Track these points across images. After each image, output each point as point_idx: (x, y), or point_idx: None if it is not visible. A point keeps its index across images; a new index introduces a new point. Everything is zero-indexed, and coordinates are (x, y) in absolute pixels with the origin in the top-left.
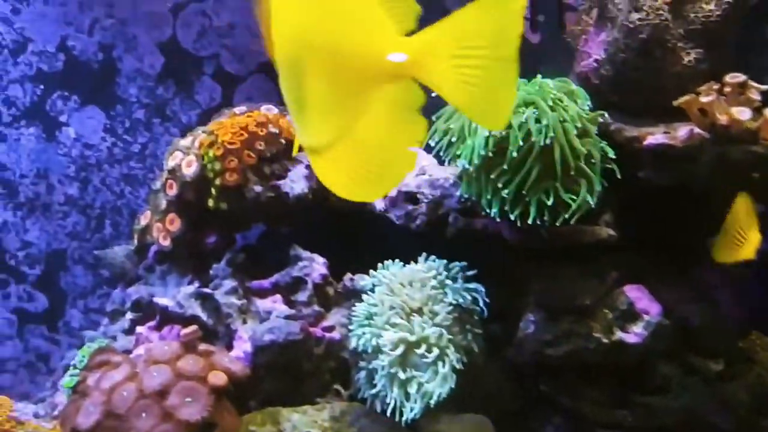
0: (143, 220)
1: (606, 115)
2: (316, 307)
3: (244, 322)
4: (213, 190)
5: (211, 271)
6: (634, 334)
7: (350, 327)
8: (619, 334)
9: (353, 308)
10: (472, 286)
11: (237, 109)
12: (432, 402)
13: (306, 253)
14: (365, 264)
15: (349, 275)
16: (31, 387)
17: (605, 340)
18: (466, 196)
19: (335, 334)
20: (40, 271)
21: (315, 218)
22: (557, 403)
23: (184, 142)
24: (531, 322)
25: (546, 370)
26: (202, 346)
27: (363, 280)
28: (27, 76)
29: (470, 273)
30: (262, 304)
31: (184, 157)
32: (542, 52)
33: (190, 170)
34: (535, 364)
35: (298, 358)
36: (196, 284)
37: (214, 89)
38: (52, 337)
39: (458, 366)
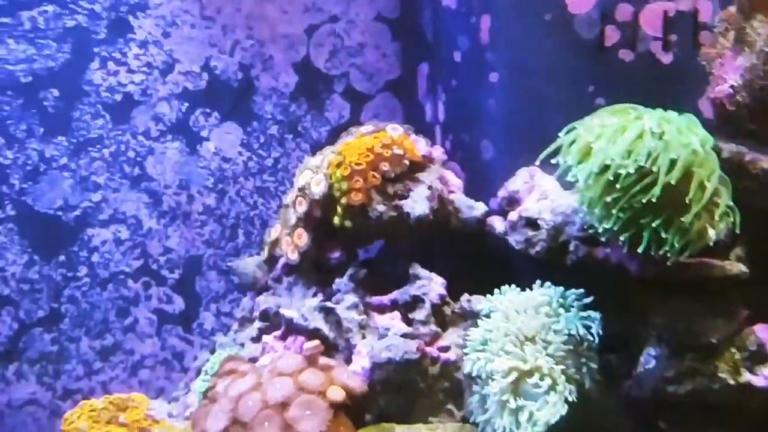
0: (273, 234)
1: (739, 145)
2: (433, 327)
3: (363, 337)
4: (339, 209)
5: (334, 285)
6: (764, 377)
7: (465, 350)
8: (747, 376)
9: (469, 331)
10: (587, 314)
11: (363, 128)
12: (540, 431)
13: (425, 272)
14: (483, 286)
15: (466, 296)
16: (166, 383)
17: (731, 382)
18: (587, 224)
19: (450, 355)
20: (178, 275)
21: (434, 238)
22: None
23: (314, 161)
24: (652, 356)
25: (666, 407)
26: (323, 360)
27: (480, 303)
28: (174, 94)
29: (586, 301)
30: (380, 320)
31: (313, 176)
32: (673, 73)
33: (318, 189)
34: (654, 400)
35: (413, 376)
36: (320, 297)
37: (343, 107)
38: (186, 338)
39: (570, 397)
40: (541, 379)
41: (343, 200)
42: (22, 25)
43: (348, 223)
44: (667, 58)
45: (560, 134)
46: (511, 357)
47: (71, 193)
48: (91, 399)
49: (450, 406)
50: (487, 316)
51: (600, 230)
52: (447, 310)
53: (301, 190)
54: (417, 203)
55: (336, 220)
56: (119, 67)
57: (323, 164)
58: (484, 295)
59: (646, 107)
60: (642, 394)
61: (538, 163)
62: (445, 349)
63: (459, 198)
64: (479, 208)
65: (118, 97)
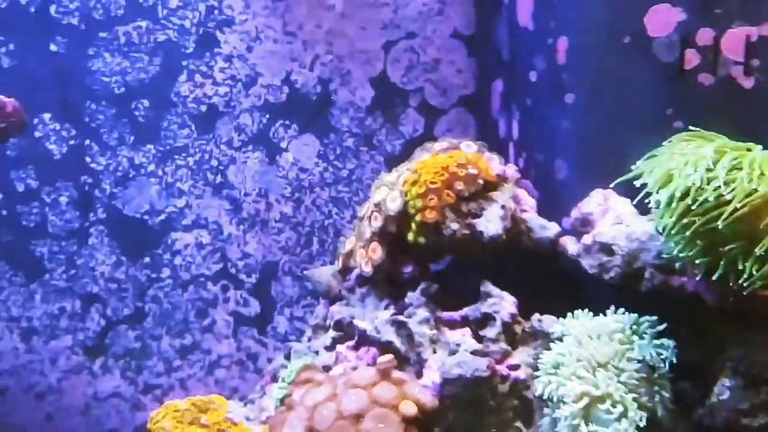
0: (348, 245)
1: None
2: (503, 345)
3: (434, 351)
4: (413, 225)
5: (406, 299)
6: None
7: (537, 372)
8: None
9: (541, 353)
10: (660, 342)
11: (438, 145)
12: None
13: (496, 290)
14: (553, 306)
15: (537, 316)
16: (240, 383)
17: None
18: (664, 252)
19: (520, 374)
20: (255, 279)
21: (506, 256)
22: None
23: (390, 177)
24: (726, 387)
25: None
26: (396, 374)
27: (550, 324)
28: (256, 107)
29: (660, 328)
30: (451, 335)
31: (389, 192)
32: (755, 98)
33: (393, 205)
34: (726, 431)
35: (483, 393)
36: (392, 309)
37: (417, 121)
38: (261, 340)
39: (641, 424)
40: (613, 405)
41: (418, 217)
42: (117, 39)
43: (421, 240)
44: (748, 83)
45: (640, 159)
46: (583, 382)
47: (157, 198)
48: (171, 397)
49: (518, 424)
50: (560, 339)
51: (677, 258)
52: (517, 329)
53: (377, 205)
54: (490, 222)
55: (410, 236)
56: (205, 79)
57: (399, 181)
58: (555, 316)
59: (725, 132)
60: (714, 423)
61: (613, 185)
62: (515, 367)
63: (532, 217)
64: (552, 229)
65: (204, 108)
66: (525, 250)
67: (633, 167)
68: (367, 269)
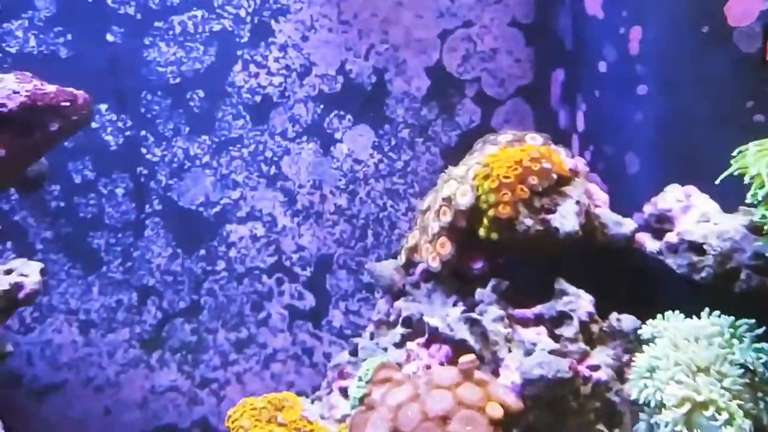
0: (411, 240)
1: None
2: (582, 345)
3: (509, 350)
4: (485, 220)
5: (476, 296)
6: None
7: (631, 376)
8: None
9: (620, 353)
10: (761, 346)
11: (502, 137)
12: None
13: (572, 289)
14: (630, 305)
15: (615, 315)
16: (296, 377)
17: None
18: (761, 252)
19: (601, 375)
20: (310, 272)
21: (579, 254)
22: None
23: (458, 171)
24: None
25: None
26: (478, 374)
27: (632, 325)
28: (310, 97)
29: (759, 331)
30: (525, 333)
31: (458, 186)
32: None
33: (464, 200)
34: None
35: (564, 395)
36: (461, 306)
37: (474, 111)
38: (316, 334)
39: None
40: (718, 412)
41: (490, 212)
42: (173, 29)
43: (494, 236)
44: None
45: (719, 154)
46: (683, 387)
47: (212, 190)
48: (228, 391)
49: (600, 427)
50: (651, 341)
51: None
52: (594, 328)
53: (446, 199)
54: (566, 219)
55: (482, 231)
56: (260, 69)
57: (468, 175)
58: (634, 315)
59: None
60: None
61: (718, 181)
62: (595, 368)
63: (605, 213)
64: (628, 225)
65: (258, 99)
66: (599, 247)
67: (734, 161)
68: (435, 264)
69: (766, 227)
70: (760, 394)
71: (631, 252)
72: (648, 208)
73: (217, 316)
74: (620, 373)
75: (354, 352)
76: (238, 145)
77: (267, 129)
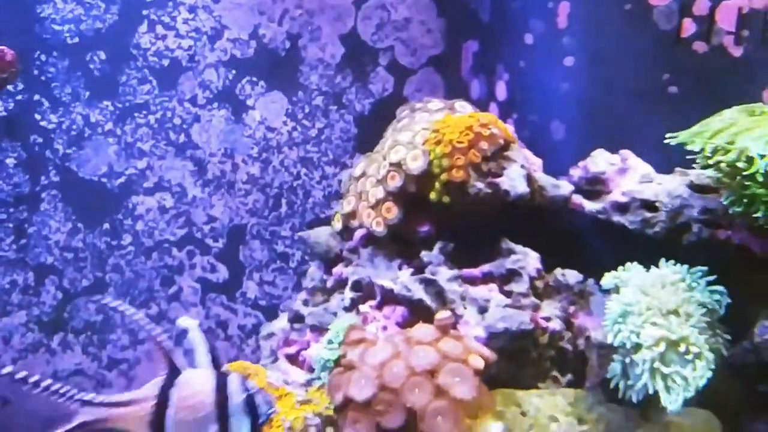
0: (347, 206)
1: None
2: (533, 299)
3: (464, 308)
4: (437, 184)
5: (424, 258)
6: None
7: (604, 322)
8: None
9: (578, 307)
10: (715, 289)
11: (431, 104)
12: (689, 396)
13: (519, 247)
14: (568, 261)
15: (559, 270)
16: None
17: None
18: (708, 208)
19: (555, 325)
20: (222, 244)
21: (522, 215)
22: None
23: (403, 137)
24: (765, 327)
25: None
26: (453, 331)
27: (582, 280)
28: (221, 62)
29: (711, 278)
30: (476, 291)
31: (408, 151)
32: (742, 66)
33: (416, 164)
34: (760, 367)
35: (525, 345)
36: (407, 269)
37: (387, 80)
38: (230, 306)
39: (712, 366)
40: (688, 349)
41: (443, 176)
42: None
43: (446, 199)
44: (737, 52)
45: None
46: (659, 327)
47: (116, 159)
48: (138, 371)
49: (555, 373)
50: (614, 290)
51: (731, 212)
52: (540, 284)
53: (395, 165)
54: (515, 181)
55: (433, 195)
56: (168, 31)
57: (415, 140)
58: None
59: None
60: (750, 361)
61: (672, 141)
62: (547, 319)
63: (542, 176)
64: (565, 187)
65: (166, 63)
66: (538, 209)
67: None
68: (379, 229)
69: (720, 185)
70: (718, 331)
71: (569, 212)
72: (577, 172)
73: (124, 293)
74: (568, 323)
75: (295, 319)
76: (144, 112)
77: (175, 95)
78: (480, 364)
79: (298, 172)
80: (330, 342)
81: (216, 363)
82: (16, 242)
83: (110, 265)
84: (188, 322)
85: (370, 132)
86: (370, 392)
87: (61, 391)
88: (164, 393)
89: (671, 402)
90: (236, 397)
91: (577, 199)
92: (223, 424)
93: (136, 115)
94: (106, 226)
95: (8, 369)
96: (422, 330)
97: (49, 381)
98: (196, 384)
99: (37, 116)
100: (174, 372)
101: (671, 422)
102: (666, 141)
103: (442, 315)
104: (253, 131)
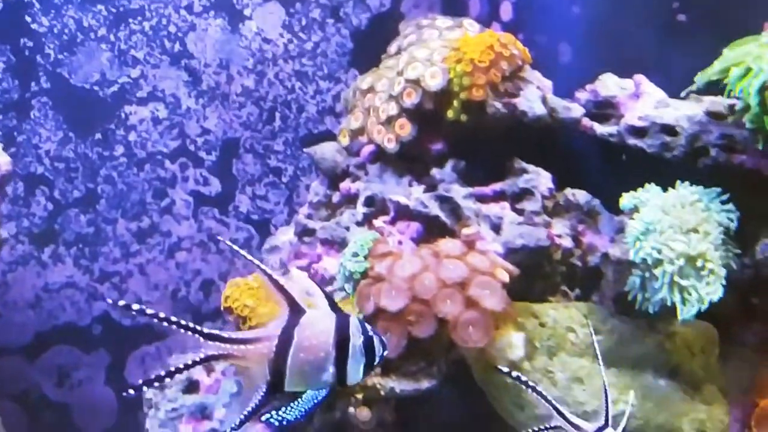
0: (354, 122)
1: None
2: (546, 217)
3: (478, 225)
4: (455, 103)
5: (436, 176)
6: None
7: (625, 239)
8: None
9: (587, 226)
10: (729, 208)
11: (439, 22)
12: (704, 307)
13: (531, 167)
14: (578, 182)
15: (570, 190)
16: (202, 265)
17: None
18: (727, 133)
19: (566, 242)
20: (215, 157)
21: (534, 136)
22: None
23: (420, 53)
24: (766, 245)
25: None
26: (479, 245)
27: (591, 200)
28: None
29: (724, 199)
30: (488, 209)
31: (426, 68)
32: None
33: (435, 82)
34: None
35: (540, 261)
36: (417, 186)
37: None
38: (222, 220)
39: (723, 281)
40: (705, 264)
41: (462, 95)
42: None
43: (463, 118)
44: None
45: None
46: (680, 243)
47: (109, 67)
48: (130, 284)
49: (564, 288)
50: (634, 209)
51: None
52: (550, 203)
53: (413, 81)
54: (533, 103)
55: (450, 113)
56: None
57: (434, 57)
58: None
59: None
60: (750, 275)
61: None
62: (558, 237)
63: (553, 98)
64: (576, 110)
65: None
66: (548, 130)
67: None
68: (391, 146)
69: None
70: (729, 248)
71: (579, 134)
72: (584, 95)
73: (116, 205)
74: (577, 241)
75: (304, 233)
76: (139, 18)
77: (171, 1)
78: (506, 277)
79: (292, 86)
80: (355, 254)
81: (334, 306)
82: (5, 150)
83: (102, 176)
84: (298, 273)
85: (366, 47)
86: (402, 303)
87: (189, 326)
88: (287, 332)
89: (686, 312)
90: (356, 339)
91: (587, 122)
92: (341, 364)
93: (130, 21)
94: (98, 136)
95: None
96: (449, 244)
97: (174, 317)
98: (319, 325)
99: (28, 18)
100: (297, 312)
101: (676, 332)
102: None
103: (469, 230)
104: (249, 42)
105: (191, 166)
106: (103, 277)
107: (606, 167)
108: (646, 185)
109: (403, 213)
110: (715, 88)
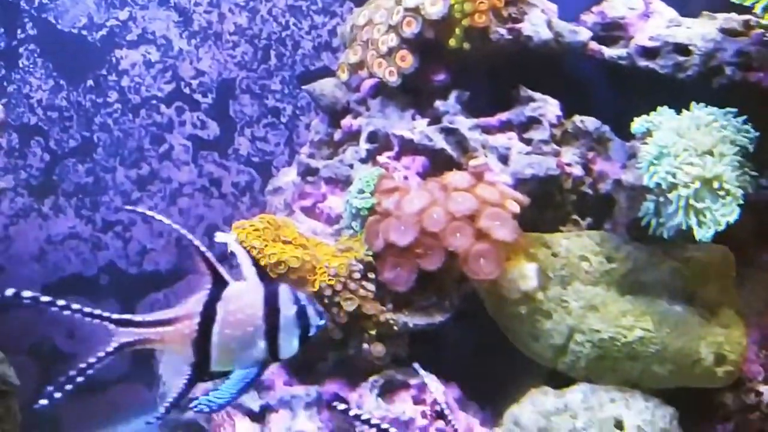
0: (352, 56)
1: None
2: (554, 146)
3: (485, 156)
4: (457, 31)
5: (440, 108)
6: None
7: (639, 164)
8: None
9: (596, 153)
10: (746, 128)
11: None
12: (721, 229)
13: (538, 95)
14: (586, 107)
15: (578, 117)
16: (205, 210)
17: None
18: (746, 49)
19: (576, 170)
20: (211, 99)
21: (539, 62)
22: None
23: None
24: None
25: None
26: (487, 176)
27: (600, 126)
28: None
29: (742, 119)
30: (494, 140)
31: None
32: None
33: (435, 9)
34: None
35: (550, 191)
36: (420, 119)
37: None
38: (223, 163)
39: (740, 201)
40: (721, 186)
41: (464, 22)
42: None
43: (466, 46)
44: None
45: None
46: (695, 166)
47: (96, 10)
48: (134, 232)
49: (575, 217)
50: (647, 134)
51: None
52: (557, 132)
53: (412, 10)
54: (539, 27)
55: (452, 42)
56: None
57: None
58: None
59: None
60: (762, 197)
61: None
62: (568, 165)
63: (558, 22)
64: (583, 33)
65: None
66: (554, 56)
67: None
68: (393, 79)
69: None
70: (746, 169)
71: (585, 59)
72: (590, 17)
73: (113, 153)
74: (587, 169)
75: (307, 173)
76: None
77: None
78: (516, 208)
79: (286, 22)
80: (361, 191)
81: (263, 275)
82: None
83: (97, 123)
84: (226, 237)
85: None
86: (411, 237)
87: (96, 313)
88: (209, 308)
89: (703, 234)
90: (287, 309)
91: (595, 45)
92: (272, 338)
93: None
94: (90, 82)
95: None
96: (457, 177)
97: (78, 305)
98: (245, 297)
99: None
100: (220, 285)
101: (691, 257)
102: None
103: (477, 162)
104: None
105: (187, 109)
106: (106, 226)
107: (616, 92)
108: (659, 108)
109: (408, 147)
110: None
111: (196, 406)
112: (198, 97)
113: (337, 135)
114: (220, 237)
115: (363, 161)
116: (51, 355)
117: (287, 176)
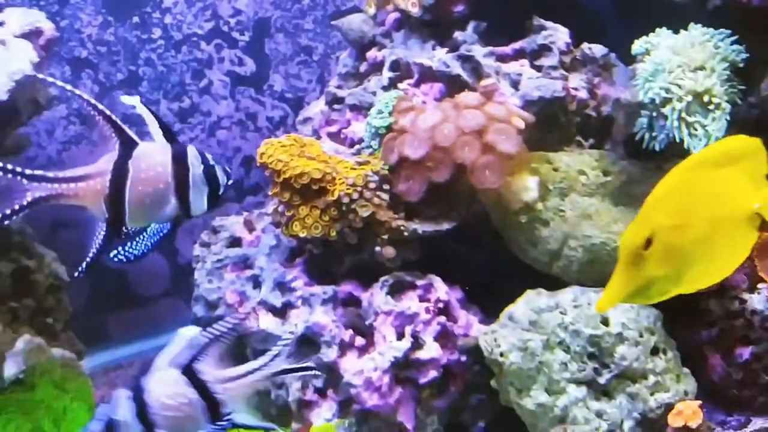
0: None
1: None
2: (563, 72)
3: (498, 81)
4: None
5: (458, 38)
6: None
7: (635, 82)
8: None
9: (602, 79)
10: (734, 45)
11: None
12: (710, 142)
13: (550, 23)
14: (589, 36)
15: (586, 44)
16: (242, 142)
17: None
18: None
19: (581, 94)
20: (248, 37)
21: None
22: None
23: None
24: None
25: None
26: (496, 96)
27: (607, 53)
28: None
29: (734, 38)
30: (508, 67)
31: None
32: None
33: None
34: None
35: (556, 112)
36: (441, 49)
37: None
38: (258, 99)
39: (728, 116)
40: (711, 100)
41: None
42: None
43: None
44: None
45: None
46: (687, 81)
47: None
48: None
49: (579, 138)
50: (646, 53)
51: None
52: (567, 58)
53: None
54: None
55: None
56: None
57: None
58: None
59: None
60: (751, 116)
61: None
62: (574, 89)
63: None
64: None
65: None
66: None
67: None
68: (415, 10)
69: None
70: (734, 83)
71: None
72: None
73: (157, 86)
74: (592, 93)
75: (334, 101)
76: None
77: None
78: (521, 124)
79: None
80: (380, 112)
81: (170, 135)
82: None
83: (142, 59)
84: (131, 99)
85: None
86: (423, 151)
87: (8, 168)
88: (120, 166)
89: (695, 146)
90: (195, 168)
91: None
92: (182, 195)
93: None
94: (136, 19)
95: None
96: (468, 96)
97: None
98: (154, 156)
99: None
100: (129, 145)
101: None
102: None
103: (486, 82)
104: None
105: (226, 47)
106: None
107: (622, 20)
108: (657, 29)
109: (427, 75)
110: None
111: (114, 257)
112: (236, 35)
113: (363, 67)
114: (126, 99)
115: (385, 89)
116: (99, 271)
117: (316, 107)
